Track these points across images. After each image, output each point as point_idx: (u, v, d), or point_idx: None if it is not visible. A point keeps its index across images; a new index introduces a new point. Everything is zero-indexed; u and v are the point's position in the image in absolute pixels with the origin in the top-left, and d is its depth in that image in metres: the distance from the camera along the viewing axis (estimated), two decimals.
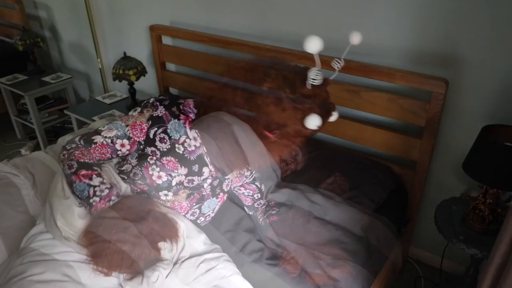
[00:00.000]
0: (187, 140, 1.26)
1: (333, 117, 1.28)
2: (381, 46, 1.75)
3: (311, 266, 1.35)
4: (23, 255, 1.21)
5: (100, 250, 1.12)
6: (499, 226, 1.46)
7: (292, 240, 1.45)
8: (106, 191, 1.18)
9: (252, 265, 1.35)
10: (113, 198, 1.18)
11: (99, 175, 1.20)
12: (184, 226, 1.28)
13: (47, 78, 3.02)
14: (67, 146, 1.25)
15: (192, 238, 1.30)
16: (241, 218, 1.50)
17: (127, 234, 1.14)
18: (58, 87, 3.01)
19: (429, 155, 1.68)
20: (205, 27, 2.34)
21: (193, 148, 1.26)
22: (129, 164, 1.31)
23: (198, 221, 1.39)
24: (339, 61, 1.29)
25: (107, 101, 2.77)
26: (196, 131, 1.27)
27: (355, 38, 1.26)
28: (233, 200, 1.55)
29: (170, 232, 1.22)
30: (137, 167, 1.28)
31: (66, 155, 1.23)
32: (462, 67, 1.60)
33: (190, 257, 1.27)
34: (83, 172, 1.19)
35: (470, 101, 1.63)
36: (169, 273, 1.19)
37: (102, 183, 1.19)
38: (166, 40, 2.53)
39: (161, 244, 1.20)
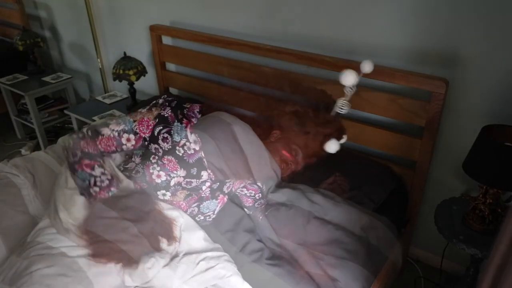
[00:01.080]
0: (187, 143, 1.29)
1: (343, 139, 1.48)
2: (381, 46, 1.75)
3: (311, 266, 1.35)
4: (29, 248, 1.22)
5: (100, 247, 1.14)
6: (499, 226, 1.46)
7: (292, 240, 1.45)
8: (107, 182, 1.22)
9: (252, 265, 1.35)
10: (113, 189, 1.22)
11: (101, 166, 1.24)
12: (182, 220, 1.30)
13: (47, 78, 3.03)
14: (74, 136, 1.30)
15: (188, 232, 1.30)
16: (241, 218, 1.50)
17: (127, 234, 1.15)
18: (58, 87, 3.01)
19: (429, 155, 1.68)
20: (205, 27, 2.34)
21: (192, 151, 1.29)
22: (133, 162, 1.35)
23: (197, 218, 1.39)
24: (352, 89, 1.40)
25: (107, 101, 2.77)
26: (197, 135, 1.30)
27: (367, 67, 1.38)
28: (233, 200, 1.55)
29: (167, 234, 1.23)
30: (140, 165, 1.32)
31: (72, 144, 1.27)
32: (462, 67, 1.60)
33: (190, 253, 1.27)
34: (86, 161, 1.22)
35: (470, 101, 1.63)
36: (166, 265, 1.19)
37: (103, 173, 1.23)
38: (166, 40, 2.53)
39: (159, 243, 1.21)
